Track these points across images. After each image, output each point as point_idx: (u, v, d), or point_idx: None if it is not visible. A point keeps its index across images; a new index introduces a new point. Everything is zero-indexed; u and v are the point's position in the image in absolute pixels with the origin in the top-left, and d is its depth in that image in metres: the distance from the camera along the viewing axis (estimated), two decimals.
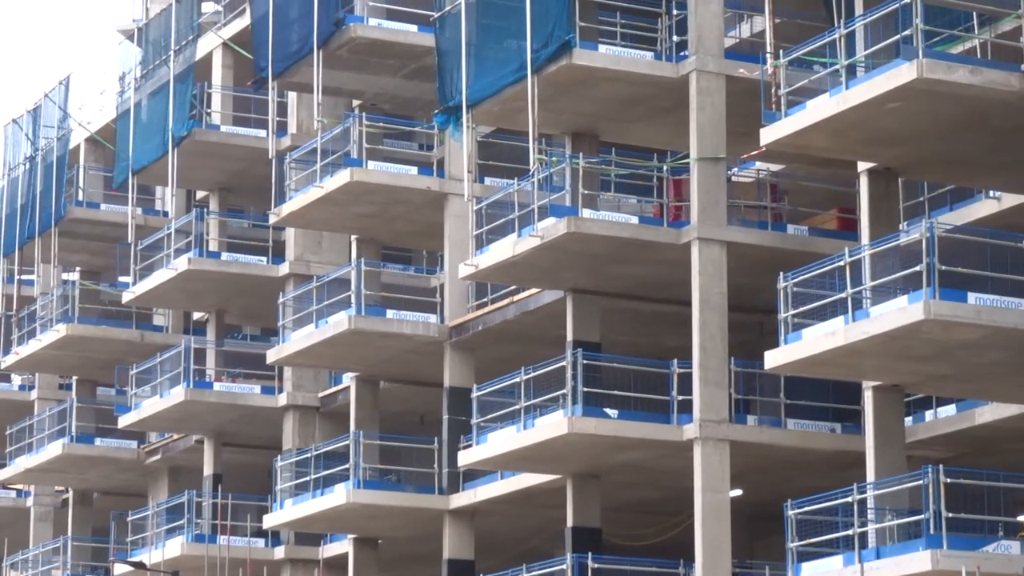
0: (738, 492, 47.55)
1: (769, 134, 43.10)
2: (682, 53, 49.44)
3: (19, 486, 73.29)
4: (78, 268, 71.53)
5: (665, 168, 50.38)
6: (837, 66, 42.22)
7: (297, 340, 57.76)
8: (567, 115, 50.72)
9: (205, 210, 65.15)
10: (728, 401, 47.54)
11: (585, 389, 48.13)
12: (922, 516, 39.59)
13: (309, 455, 58.02)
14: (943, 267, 38.29)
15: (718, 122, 48.25)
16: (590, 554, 48.00)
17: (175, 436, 67.08)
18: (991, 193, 44.40)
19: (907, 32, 39.55)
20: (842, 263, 41.43)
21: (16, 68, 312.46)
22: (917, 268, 38.96)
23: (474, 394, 52.14)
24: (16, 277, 73.01)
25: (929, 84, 38.61)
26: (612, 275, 50.01)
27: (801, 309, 42.40)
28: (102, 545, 68.60)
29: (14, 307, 72.09)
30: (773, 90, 43.79)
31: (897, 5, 40.11)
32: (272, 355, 60.20)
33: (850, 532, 41.27)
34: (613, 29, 50.10)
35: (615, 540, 50.17)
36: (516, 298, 53.51)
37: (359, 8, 57.31)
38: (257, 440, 62.68)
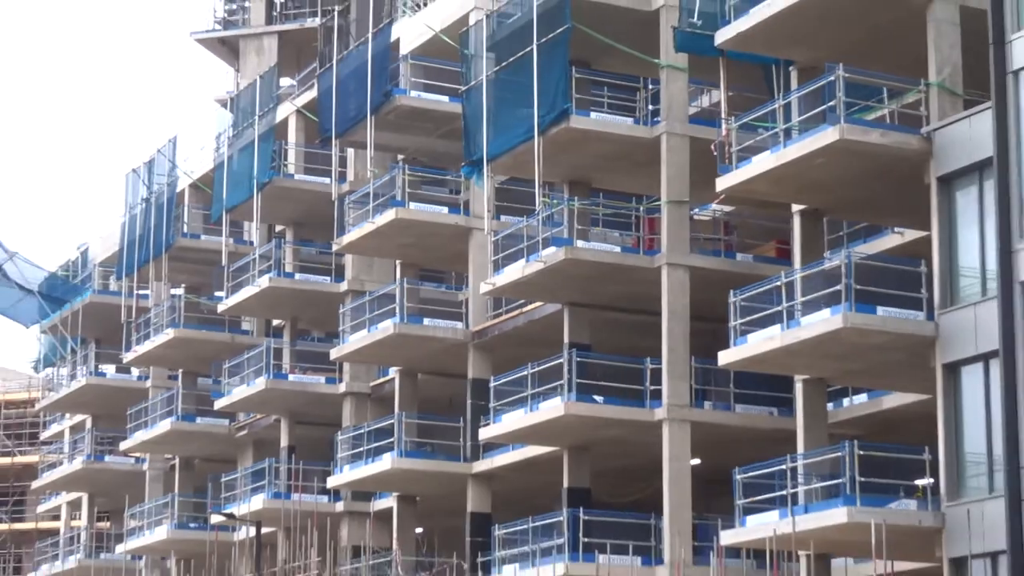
0: (697, 461, 47.59)
1: (723, 182, 43.38)
2: (655, 119, 49.51)
3: (137, 454, 73.07)
4: (183, 285, 71.49)
5: (641, 209, 50.54)
6: (776, 130, 42.39)
7: (353, 342, 57.74)
8: (565, 167, 50.75)
9: (282, 240, 65.18)
10: (689, 390, 47.71)
11: (578, 380, 48.28)
12: (840, 480, 39.60)
13: (363, 431, 57.96)
14: (858, 287, 38.40)
15: (683, 173, 48.35)
16: (582, 509, 48.14)
17: (258, 416, 66.90)
18: (895, 229, 44.42)
19: (831, 103, 39.60)
20: (779, 283, 41.69)
21: (135, 129, 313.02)
22: (837, 287, 39.09)
23: (491, 384, 52.23)
24: (135, 292, 72.94)
25: (848, 144, 38.81)
26: (599, 292, 50.10)
27: (747, 319, 42.51)
28: (201, 500, 68.42)
29: (133, 315, 71.98)
30: (727, 148, 43.84)
31: (824, 82, 40.21)
32: (334, 353, 60.23)
33: (784, 493, 41.24)
34: (601, 99, 50.07)
35: (602, 498, 50.04)
36: (524, 309, 53.62)
37: (403, 82, 57.28)
38: (322, 419, 62.49)
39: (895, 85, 41.95)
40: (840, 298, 40.20)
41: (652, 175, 49.40)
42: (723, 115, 46.93)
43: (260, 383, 62.44)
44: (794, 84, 43.36)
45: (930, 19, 42.09)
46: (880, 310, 40.27)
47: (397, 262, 58.66)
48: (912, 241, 42.62)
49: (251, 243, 67.06)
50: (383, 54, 57.78)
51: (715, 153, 45.35)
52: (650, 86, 50.31)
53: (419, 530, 58.44)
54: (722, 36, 44.68)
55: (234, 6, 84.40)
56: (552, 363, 49.13)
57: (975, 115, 39.02)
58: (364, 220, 57.24)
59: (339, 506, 60.77)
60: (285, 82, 69.99)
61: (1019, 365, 35.65)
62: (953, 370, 39.27)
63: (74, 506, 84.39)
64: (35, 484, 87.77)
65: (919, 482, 40.37)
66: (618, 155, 50.38)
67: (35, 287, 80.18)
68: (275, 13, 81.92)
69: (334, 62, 61.24)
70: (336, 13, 65.45)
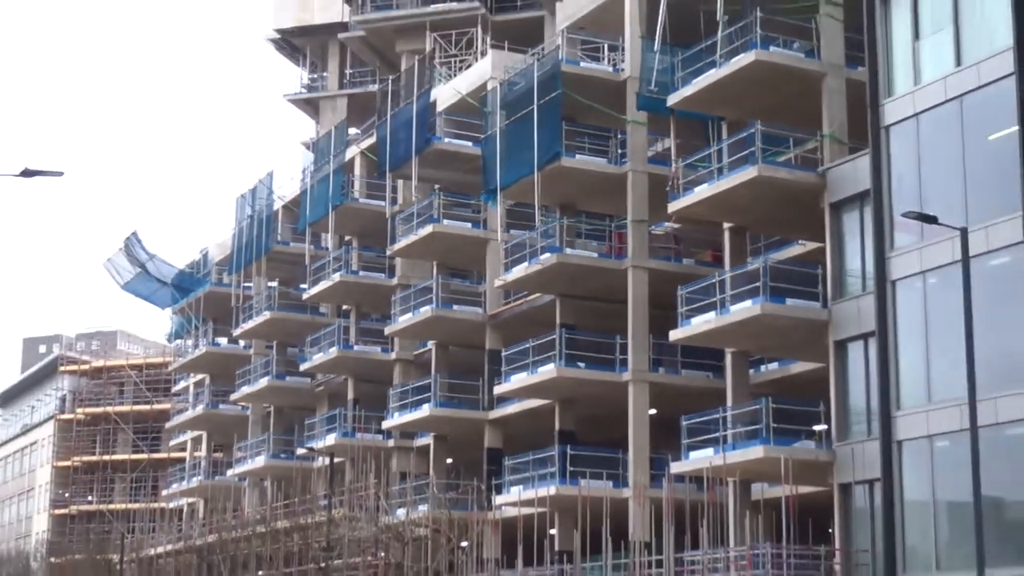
0: (653, 411, 47.36)
1: (673, 206, 43.39)
2: (623, 160, 49.40)
3: (242, 404, 72.89)
4: (277, 279, 71.26)
5: (613, 225, 50.42)
6: (712, 168, 42.43)
7: (401, 322, 57.59)
8: (557, 194, 50.65)
9: (350, 247, 65.04)
10: (648, 360, 47.57)
11: (566, 352, 48.19)
12: (758, 426, 39.59)
13: (408, 387, 57.94)
14: (771, 284, 38.35)
15: (643, 199, 48.25)
16: (568, 446, 48.18)
17: (331, 376, 66.75)
18: (799, 241, 44.37)
19: (752, 149, 39.64)
20: (714, 281, 41.74)
21: (242, 162, 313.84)
22: (756, 284, 39.10)
23: (503, 353, 52.18)
24: (242, 284, 72.85)
25: (764, 179, 39.02)
26: (582, 286, 49.99)
27: (690, 307, 42.46)
28: (289, 438, 68.33)
29: (240, 302, 71.92)
30: (676, 181, 43.85)
31: (746, 134, 40.25)
32: (388, 330, 60.12)
33: (716, 435, 41.29)
34: (583, 145, 49.99)
35: (583, 438, 49.88)
36: (527, 299, 53.53)
37: (439, 132, 57.28)
38: (378, 378, 62.23)
39: (798, 136, 41.94)
40: (759, 292, 40.23)
41: (621, 200, 49.34)
42: (673, 157, 46.99)
43: (333, 352, 62.40)
44: (725, 135, 43.31)
45: (824, 88, 42.12)
46: (788, 301, 40.19)
47: (434, 263, 58.55)
48: (811, 250, 42.60)
49: (327, 248, 67.01)
50: (424, 111, 57.77)
51: (668, 186, 45.48)
52: (619, 135, 50.24)
53: (449, 460, 58.36)
54: (672, 99, 44.71)
55: (315, 75, 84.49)
56: (547, 339, 49.11)
57: (857, 158, 39.00)
58: (409, 233, 57.23)
59: (390, 443, 60.67)
60: (352, 131, 69.76)
61: (889, 342, 35.69)
62: (841, 345, 39.25)
63: (196, 441, 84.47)
64: (168, 425, 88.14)
65: (816, 428, 40.38)
66: (595, 186, 50.29)
67: (169, 280, 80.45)
68: (345, 80, 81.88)
69: (388, 117, 61.17)
70: (390, 81, 65.53)
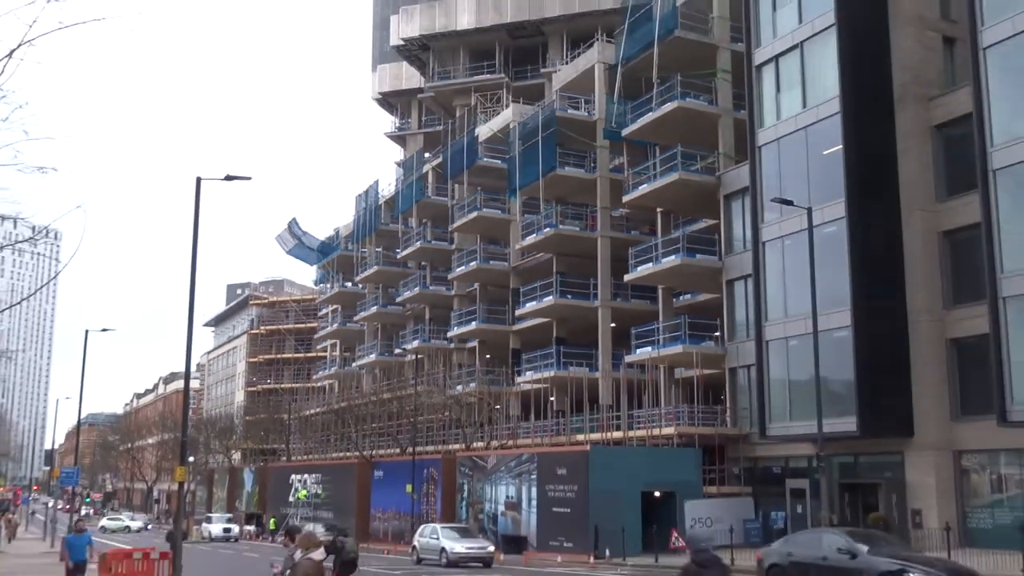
0: (613, 324, 47.08)
1: (628, 198, 42.97)
2: (594, 170, 49.03)
3: (361, 322, 72.42)
4: (381, 246, 70.58)
5: (588, 210, 49.96)
6: (652, 174, 41.89)
7: (458, 272, 57.61)
8: (553, 192, 50.19)
9: (426, 226, 64.89)
10: (610, 293, 47.26)
11: (560, 288, 47.98)
12: (679, 333, 39.19)
13: (462, 311, 57.84)
14: (687, 246, 37.99)
15: (607, 194, 47.90)
16: (561, 346, 47.96)
17: (416, 305, 66.62)
18: (703, 220, 43.79)
19: (675, 161, 39.08)
20: (652, 243, 41.27)
21: (358, 173, 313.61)
22: (677, 246, 38.75)
23: (521, 290, 51.97)
24: (359, 251, 72.62)
25: (682, 180, 38.54)
26: (570, 248, 49.64)
27: (637, 260, 42.15)
28: (389, 343, 68.11)
29: (359, 260, 71.65)
30: (628, 182, 43.52)
31: (672, 152, 39.68)
32: (450, 276, 59.94)
33: (653, 338, 41.01)
34: (569, 162, 49.58)
35: (570, 341, 49.62)
36: (536, 256, 53.07)
37: (481, 153, 56.76)
38: (444, 306, 62.26)
39: (703, 153, 41.51)
40: (679, 250, 39.90)
41: (593, 195, 48.97)
42: (626, 168, 46.58)
43: (416, 290, 62.67)
44: (658, 153, 42.76)
45: (720, 124, 41.66)
46: (697, 256, 39.92)
47: (478, 235, 58.22)
48: (711, 225, 41.96)
49: (412, 227, 66.51)
50: (472, 142, 57.33)
51: (623, 186, 45.06)
52: (592, 155, 49.82)
53: (487, 356, 58.28)
54: (625, 132, 44.33)
55: (403, 120, 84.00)
56: (548, 281, 48.96)
57: (741, 167, 38.54)
58: (463, 217, 56.93)
59: (452, 345, 60.46)
60: (426, 155, 69.34)
61: (760, 281, 35.30)
62: (730, 283, 38.94)
63: (333, 346, 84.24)
64: (316, 336, 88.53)
65: (716, 334, 40.23)
66: (577, 186, 49.83)
67: (315, 248, 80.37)
68: (422, 123, 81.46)
69: (449, 145, 60.81)
70: (450, 123, 65.15)
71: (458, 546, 33.01)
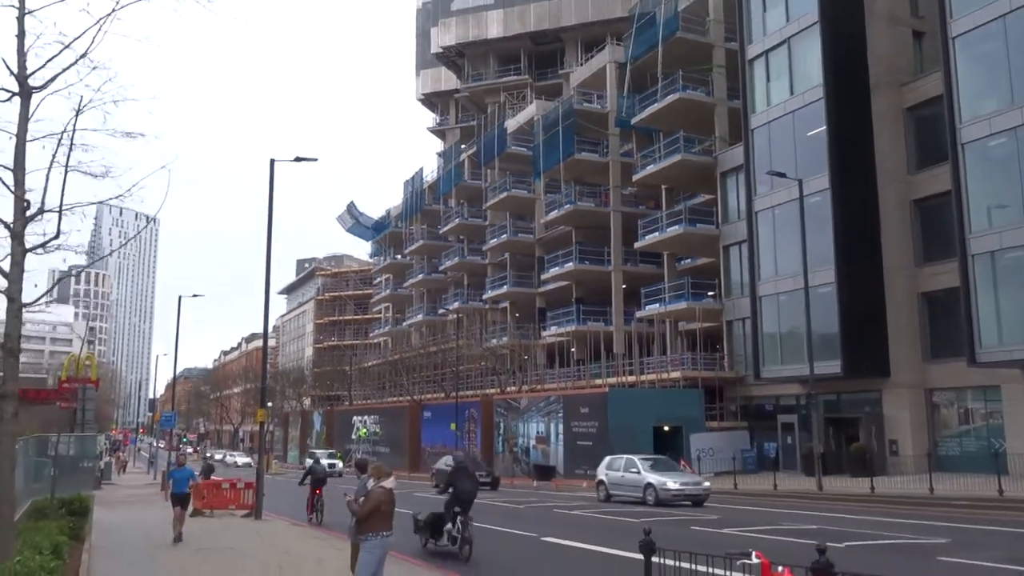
0: (624, 286, 45.98)
1: (636, 178, 41.73)
2: (607, 154, 47.77)
3: (410, 288, 71.69)
4: (426, 224, 69.78)
5: (602, 189, 48.77)
6: (657, 156, 40.75)
7: (491, 244, 56.53)
8: (572, 173, 48.95)
9: (464, 206, 63.88)
10: (622, 259, 46.15)
11: (579, 255, 46.96)
12: (682, 292, 38.17)
13: (495, 277, 56.95)
14: (689, 217, 36.82)
15: (619, 175, 46.67)
16: (580, 305, 46.92)
17: (455, 273, 65.86)
18: (703, 195, 42.50)
19: (678, 145, 37.90)
20: (657, 216, 40.15)
21: (405, 165, 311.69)
22: (681, 217, 37.67)
23: (545, 258, 50.97)
24: (407, 228, 71.88)
25: (685, 161, 37.17)
26: (587, 222, 48.43)
27: (645, 230, 41.05)
28: (433, 305, 67.59)
29: (407, 236, 70.86)
30: (637, 165, 42.33)
31: (675, 136, 38.48)
32: (484, 248, 58.92)
33: (660, 296, 40.02)
34: (584, 148, 48.31)
35: (587, 300, 48.63)
36: (558, 228, 51.83)
37: (509, 143, 55.52)
38: (479, 273, 61.71)
39: (702, 137, 40.19)
40: (681, 221, 38.83)
41: (606, 176, 47.80)
42: (635, 151, 45.28)
43: (456, 260, 61.75)
44: (663, 138, 41.54)
45: (716, 112, 40.30)
46: (698, 225, 38.82)
47: (508, 212, 57.23)
48: (709, 199, 40.81)
49: (452, 207, 65.56)
50: (502, 133, 56.13)
51: (632, 167, 43.85)
52: (605, 142, 48.52)
53: (517, 314, 57.51)
54: (634, 120, 43.03)
55: (443, 116, 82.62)
56: (568, 250, 48.02)
57: (735, 148, 37.25)
58: (494, 197, 55.91)
59: (487, 306, 59.61)
60: (463, 146, 68.09)
61: (754, 245, 34.19)
62: (727, 249, 37.77)
63: (386, 309, 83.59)
64: (371, 300, 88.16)
65: (710, 293, 39.18)
66: (593, 169, 48.62)
67: (370, 226, 79.65)
68: (458, 118, 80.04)
69: (482, 137, 59.65)
70: (483, 118, 63.83)
71: (671, 482, 23.89)
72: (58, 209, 8.18)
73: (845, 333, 29.64)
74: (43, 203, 8.19)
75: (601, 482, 26.31)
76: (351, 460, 32.38)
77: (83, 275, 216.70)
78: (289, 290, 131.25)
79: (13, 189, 8.04)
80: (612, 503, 24.58)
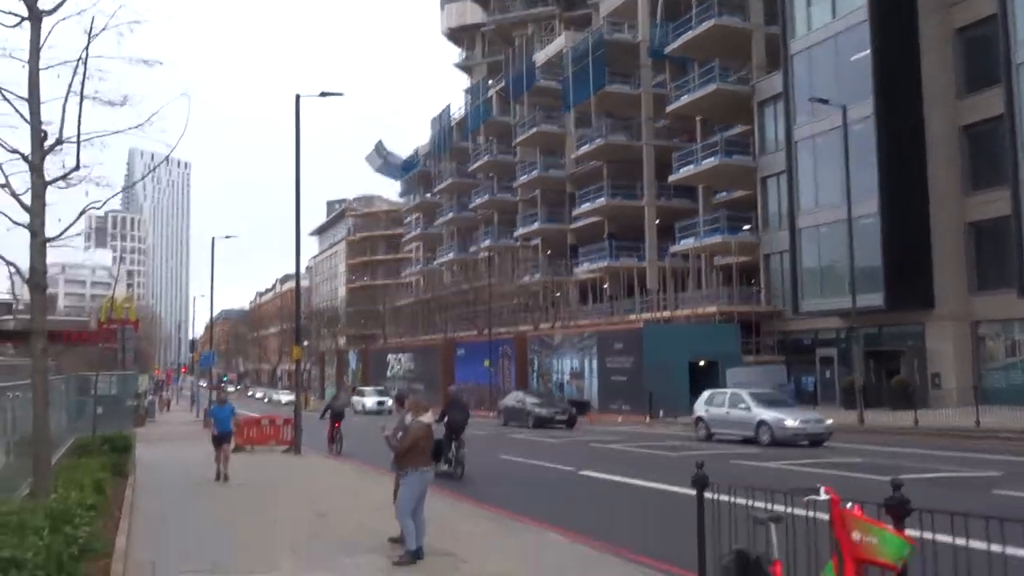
0: (657, 221, 45.07)
1: (669, 109, 40.62)
2: (639, 85, 46.39)
3: (441, 227, 71.32)
4: (455, 162, 69.00)
5: (634, 122, 47.44)
6: (691, 87, 39.52)
7: (522, 180, 55.88)
8: (603, 107, 47.62)
9: (492, 142, 62.82)
10: (655, 193, 45.18)
11: (611, 190, 46.10)
12: (718, 225, 37.41)
13: (526, 214, 56.35)
14: (725, 149, 35.77)
15: (651, 107, 45.37)
16: (612, 240, 46.24)
17: (485, 210, 65.25)
18: (738, 126, 41.25)
19: (713, 74, 36.61)
20: (692, 149, 39.02)
21: (432, 99, 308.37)
22: (716, 150, 36.66)
23: (576, 194, 50.17)
24: (435, 166, 71.16)
25: (720, 91, 36.06)
26: (618, 156, 47.17)
27: (680, 163, 40.08)
28: (464, 243, 67.11)
29: (436, 175, 70.10)
30: (671, 95, 41.14)
31: (710, 66, 37.19)
32: (515, 185, 58.20)
33: (695, 231, 39.27)
34: (616, 79, 46.89)
35: (620, 236, 47.85)
36: (589, 163, 50.69)
37: (538, 76, 54.30)
38: (510, 211, 61.07)
39: (740, 65, 38.89)
40: (717, 153, 37.83)
41: (638, 109, 46.42)
42: (668, 82, 43.85)
43: (486, 197, 61.09)
44: (696, 69, 40.14)
45: (753, 39, 38.85)
46: (735, 157, 37.81)
47: (538, 149, 56.21)
48: (745, 130, 39.54)
49: (481, 143, 64.59)
50: (530, 67, 54.96)
51: (667, 99, 42.59)
52: (638, 73, 47.12)
53: (548, 252, 56.94)
54: (667, 50, 41.75)
55: (469, 51, 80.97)
56: (599, 185, 47.13)
57: (773, 76, 35.94)
58: (524, 133, 54.89)
59: (518, 244, 59.03)
60: (490, 81, 66.72)
61: (794, 175, 33.25)
62: (764, 180, 36.83)
63: (416, 248, 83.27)
64: (403, 240, 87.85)
65: (746, 226, 38.30)
66: (624, 101, 47.22)
67: (399, 164, 79.10)
68: (485, 52, 78.37)
69: (510, 71, 58.34)
70: (510, 51, 62.22)
71: (789, 420, 20.77)
72: (76, 140, 7.82)
73: (888, 265, 28.83)
74: (61, 134, 7.83)
75: (700, 419, 23.23)
76: (396, 394, 32.73)
77: (119, 220, 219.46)
78: (320, 231, 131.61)
79: (29, 119, 7.68)
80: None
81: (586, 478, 14.80)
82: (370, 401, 49.95)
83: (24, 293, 8.11)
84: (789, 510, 5.25)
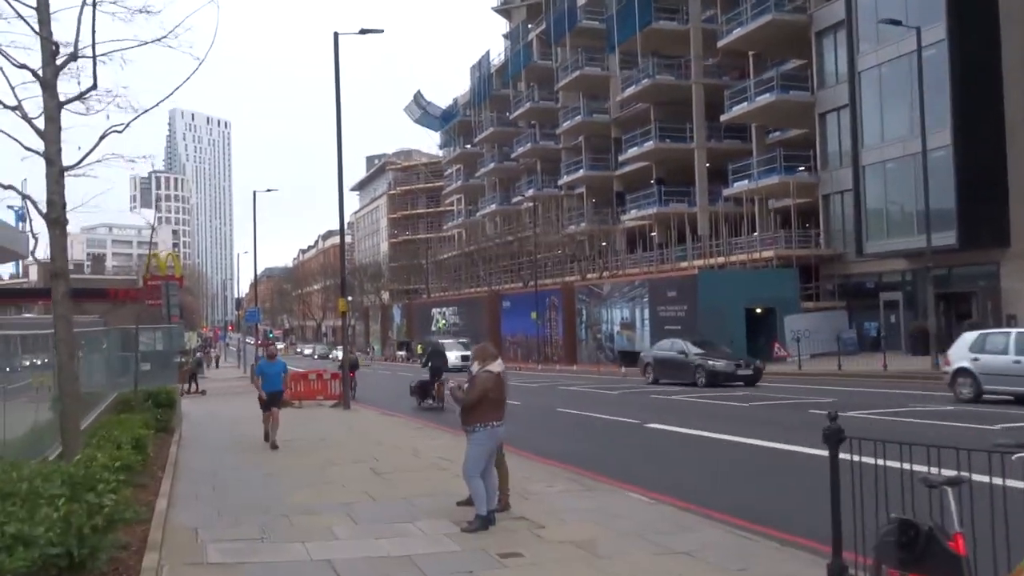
0: (708, 164, 43.19)
1: (720, 43, 38.62)
2: (687, 21, 44.23)
3: (483, 176, 70.15)
4: (495, 111, 67.41)
5: (682, 60, 45.31)
6: (743, 20, 37.34)
7: (565, 127, 54.23)
8: (649, 46, 45.25)
9: (534, 89, 61.01)
10: (705, 135, 43.29)
11: (659, 133, 44.25)
12: (774, 165, 35.64)
13: (570, 161, 54.71)
14: (781, 84, 33.75)
15: (700, 43, 43.23)
16: (661, 186, 44.54)
17: (528, 159, 63.74)
18: (793, 60, 39.06)
19: (768, 4, 34.32)
20: (746, 84, 37.09)
21: (472, 46, 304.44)
22: (772, 84, 34.60)
23: (623, 138, 48.34)
24: (476, 116, 69.53)
25: (775, 21, 33.99)
26: (666, 96, 44.95)
27: (734, 100, 38.04)
28: (507, 194, 65.86)
29: (476, 125, 68.57)
30: (723, 26, 38.99)
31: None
32: (558, 131, 56.52)
33: (750, 172, 37.53)
34: (662, 16, 44.79)
35: (667, 181, 46.20)
36: (635, 107, 48.90)
37: (579, 16, 52.19)
38: (553, 159, 59.39)
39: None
40: (772, 89, 35.87)
41: (687, 46, 44.17)
42: (719, 17, 41.46)
43: (528, 145, 59.45)
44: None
45: None
46: (792, 92, 35.82)
47: (581, 93, 54.38)
48: (800, 64, 37.29)
49: (522, 91, 62.78)
50: (572, 6, 52.75)
51: (718, 34, 40.48)
52: (686, 7, 44.80)
53: (593, 200, 55.33)
54: None
55: None
56: (647, 128, 45.27)
57: (833, 3, 33.76)
58: (567, 77, 52.97)
59: (562, 192, 57.37)
60: (529, 25, 64.63)
61: (857, 108, 31.30)
62: (823, 116, 34.99)
63: (458, 201, 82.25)
64: (443, 192, 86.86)
65: (802, 168, 36.42)
66: (671, 38, 44.93)
67: (438, 116, 77.74)
68: None
69: (550, 12, 56.33)
70: None
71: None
72: (91, 55, 6.85)
73: (961, 200, 27.01)
74: (76, 48, 6.87)
75: (963, 371, 16.68)
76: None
77: (163, 181, 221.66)
78: (360, 186, 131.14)
79: (38, 30, 6.72)
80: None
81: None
82: (452, 356, 38.64)
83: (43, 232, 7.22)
84: (965, 473, 4.11)
